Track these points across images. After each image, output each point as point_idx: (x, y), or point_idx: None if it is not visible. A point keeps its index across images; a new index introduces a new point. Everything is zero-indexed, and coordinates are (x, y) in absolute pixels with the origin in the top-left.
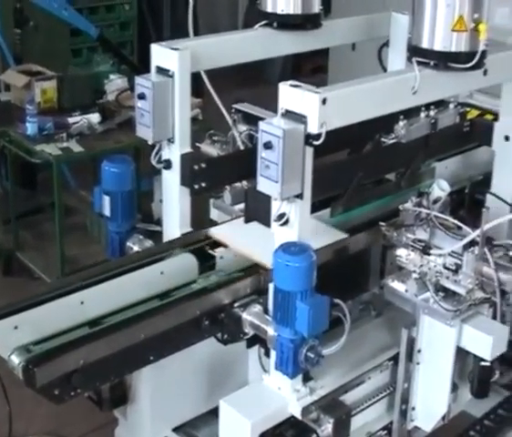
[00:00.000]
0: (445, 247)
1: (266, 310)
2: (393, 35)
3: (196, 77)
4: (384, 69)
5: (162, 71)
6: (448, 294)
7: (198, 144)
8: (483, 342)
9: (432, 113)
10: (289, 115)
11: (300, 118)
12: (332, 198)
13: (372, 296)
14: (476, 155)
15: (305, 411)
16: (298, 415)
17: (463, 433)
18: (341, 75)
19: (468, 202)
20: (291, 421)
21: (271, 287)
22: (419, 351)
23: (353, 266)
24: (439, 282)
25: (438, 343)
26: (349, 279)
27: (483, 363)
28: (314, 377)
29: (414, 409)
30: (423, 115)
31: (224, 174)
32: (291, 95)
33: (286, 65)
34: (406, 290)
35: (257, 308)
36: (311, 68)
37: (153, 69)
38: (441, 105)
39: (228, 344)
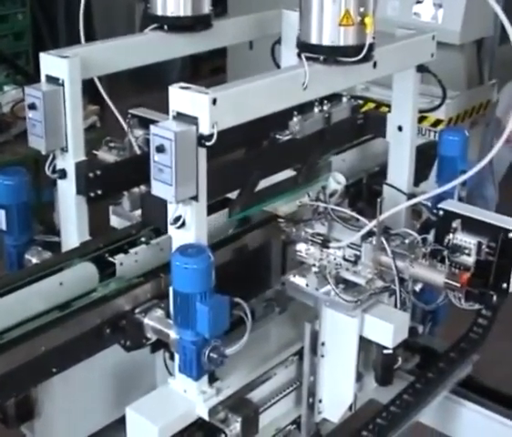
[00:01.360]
0: (344, 239)
1: (168, 314)
2: (284, 32)
3: (94, 84)
4: (278, 66)
5: (52, 80)
6: (349, 285)
7: (94, 151)
8: (384, 330)
9: (325, 108)
10: (180, 117)
11: (191, 120)
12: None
13: (275, 293)
14: (371, 147)
15: (212, 411)
16: (205, 416)
17: (369, 421)
18: (239, 74)
19: (366, 193)
20: (198, 423)
21: (171, 290)
22: (323, 344)
23: (253, 263)
24: (339, 274)
25: (341, 334)
26: (250, 277)
27: (385, 351)
28: (220, 377)
29: (321, 401)
30: (316, 110)
31: (120, 180)
32: (181, 97)
33: (185, 67)
34: (307, 285)
35: (158, 312)
36: (210, 69)
37: (43, 78)
38: (334, 98)
39: (130, 351)
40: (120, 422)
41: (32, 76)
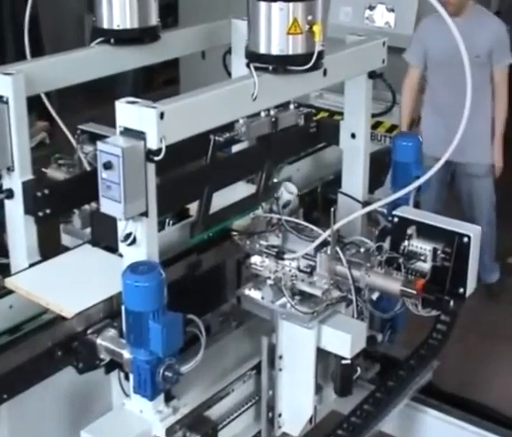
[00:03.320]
0: (298, 250)
1: (121, 334)
2: (234, 41)
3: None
4: (230, 75)
5: None
6: (305, 297)
7: (43, 169)
8: (342, 341)
9: (272, 112)
10: (128, 132)
11: (139, 135)
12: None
13: (231, 307)
14: (325, 155)
15: (170, 431)
16: (162, 436)
17: (330, 433)
18: (192, 84)
19: (321, 202)
20: None
21: (123, 309)
22: (280, 357)
23: (207, 278)
24: (295, 286)
25: (298, 347)
26: (205, 292)
27: (344, 362)
28: (177, 395)
29: (280, 415)
30: (263, 114)
31: (69, 198)
32: (128, 112)
33: (137, 79)
34: (263, 298)
35: (111, 332)
36: (163, 81)
37: None
38: (281, 105)
39: (84, 373)
40: None
41: None
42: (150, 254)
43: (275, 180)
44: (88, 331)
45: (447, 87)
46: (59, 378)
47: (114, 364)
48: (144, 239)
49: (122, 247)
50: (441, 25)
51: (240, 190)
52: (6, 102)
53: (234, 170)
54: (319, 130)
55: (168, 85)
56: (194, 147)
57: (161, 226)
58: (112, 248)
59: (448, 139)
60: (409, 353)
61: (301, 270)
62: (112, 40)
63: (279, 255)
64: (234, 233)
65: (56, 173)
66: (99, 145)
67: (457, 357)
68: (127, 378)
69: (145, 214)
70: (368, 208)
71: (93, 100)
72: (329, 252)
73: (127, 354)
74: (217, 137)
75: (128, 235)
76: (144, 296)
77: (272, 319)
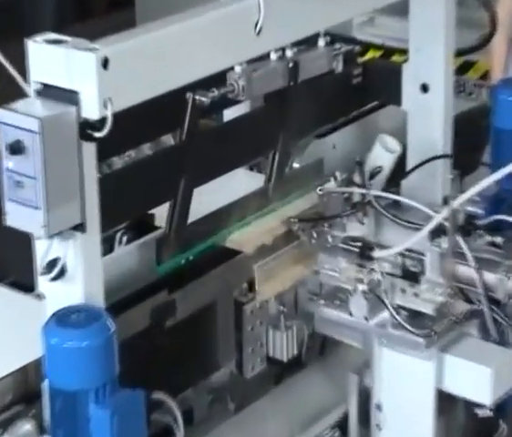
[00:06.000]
0: (396, 242)
1: (42, 428)
2: None
3: None
4: None
5: None
6: (412, 313)
7: None
8: (477, 379)
9: (289, 53)
10: (49, 92)
11: (68, 97)
12: None
13: (227, 377)
14: (378, 120)
15: None
16: None
17: None
18: (154, 8)
19: None
20: None
21: (45, 387)
22: (379, 408)
23: (185, 332)
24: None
25: (409, 389)
26: (181, 354)
27: (480, 412)
28: None
29: None
30: (274, 56)
31: None
32: (48, 57)
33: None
34: (351, 314)
35: (25, 426)
36: (108, 2)
37: None
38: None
39: None
40: None
41: None
42: (90, 293)
43: (296, 165)
44: None
45: None
46: None
47: None
48: (79, 269)
49: (43, 282)
50: None
51: (239, 183)
52: None
53: (228, 150)
54: (367, 80)
55: (116, 8)
56: (161, 115)
57: (109, 245)
58: (24, 286)
59: None
60: None
61: (400, 275)
62: None
63: (365, 251)
64: (293, 220)
65: None
66: (2, 115)
67: None
68: None
69: (80, 227)
70: (481, 184)
71: None
72: (445, 245)
73: None
74: (198, 97)
75: (53, 263)
76: (80, 364)
77: (365, 346)
